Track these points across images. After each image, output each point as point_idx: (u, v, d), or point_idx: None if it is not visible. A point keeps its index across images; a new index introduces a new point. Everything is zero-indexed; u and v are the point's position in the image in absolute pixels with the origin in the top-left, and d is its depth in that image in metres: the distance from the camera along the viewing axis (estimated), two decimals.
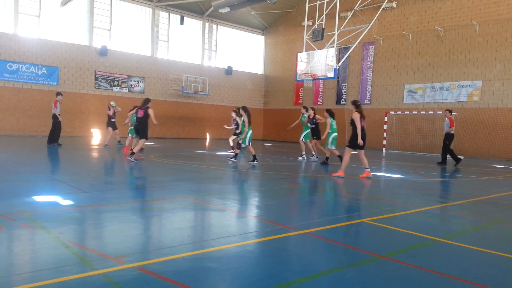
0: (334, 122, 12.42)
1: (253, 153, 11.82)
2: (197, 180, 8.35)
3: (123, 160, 11.57)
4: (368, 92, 23.77)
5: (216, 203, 5.98)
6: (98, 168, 10.52)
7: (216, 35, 28.62)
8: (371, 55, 23.64)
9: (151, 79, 24.99)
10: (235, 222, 5.06)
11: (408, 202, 6.89)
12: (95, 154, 13.59)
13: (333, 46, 15.83)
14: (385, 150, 21.37)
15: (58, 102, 14.96)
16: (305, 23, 17.87)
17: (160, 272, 3.09)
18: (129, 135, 13.98)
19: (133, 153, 10.72)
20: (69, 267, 3.11)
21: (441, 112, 17.00)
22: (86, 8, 22.68)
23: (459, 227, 5.27)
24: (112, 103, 16.25)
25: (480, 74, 19.24)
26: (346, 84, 25.04)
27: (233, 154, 12.71)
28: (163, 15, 25.79)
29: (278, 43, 30.02)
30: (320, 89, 26.51)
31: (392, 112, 21.65)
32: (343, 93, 25.16)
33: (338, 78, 24.42)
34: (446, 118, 14.23)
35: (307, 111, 13.90)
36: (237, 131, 13.45)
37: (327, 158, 12.51)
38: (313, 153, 13.92)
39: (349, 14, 19.18)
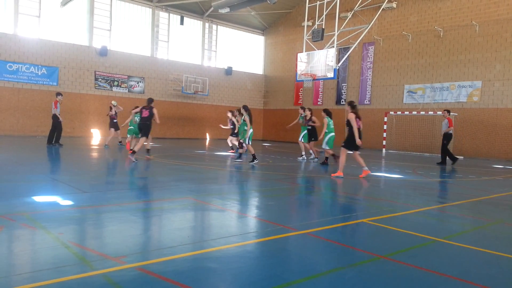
0: (331, 122, 12.43)
1: (253, 152, 11.82)
2: (197, 180, 8.35)
3: (123, 160, 11.57)
4: (368, 92, 23.77)
5: (216, 203, 5.98)
6: (98, 168, 10.51)
7: (216, 35, 28.63)
8: (371, 55, 23.65)
9: (151, 79, 24.99)
10: (235, 222, 5.06)
11: (408, 202, 6.89)
12: (95, 154, 13.59)
13: (333, 47, 15.84)
14: (385, 150, 21.36)
15: (58, 103, 14.97)
16: (305, 23, 17.88)
17: (160, 272, 3.09)
18: (128, 135, 14.00)
19: (134, 152, 10.75)
20: (69, 267, 3.10)
21: (440, 113, 17.00)
22: (86, 8, 22.68)
23: (459, 227, 5.27)
24: (113, 102, 16.28)
25: (480, 74, 19.24)
26: (346, 84, 25.05)
27: (238, 154, 12.73)
28: (163, 15, 25.80)
29: (278, 43, 30.02)
30: (320, 89, 26.51)
31: (392, 113, 21.65)
32: (343, 93, 25.16)
33: (338, 78, 24.43)
34: (445, 118, 14.26)
35: (304, 111, 13.92)
36: (235, 131, 13.46)
37: (326, 158, 12.51)
38: (312, 153, 13.92)
39: (349, 15, 19.19)
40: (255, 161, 11.60)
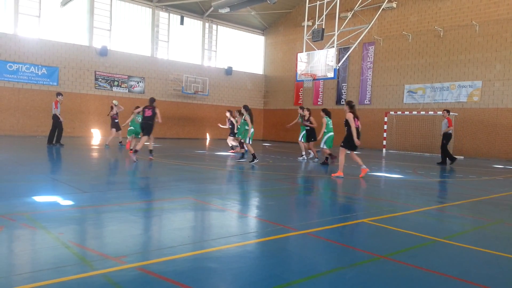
0: (330, 122, 12.44)
1: (252, 152, 11.82)
2: (197, 180, 8.35)
3: (123, 160, 11.57)
4: (368, 92, 23.77)
5: (216, 203, 5.98)
6: (98, 168, 10.52)
7: (216, 35, 28.63)
8: (371, 55, 23.65)
9: (151, 79, 24.99)
10: (235, 222, 5.06)
11: (408, 202, 6.89)
12: (95, 154, 13.59)
13: (333, 46, 15.84)
14: (385, 150, 21.36)
15: (58, 103, 14.97)
16: (305, 23, 17.88)
17: (160, 272, 3.09)
18: (128, 136, 14.01)
19: (135, 152, 10.77)
20: (69, 267, 3.11)
21: (440, 113, 17.00)
22: (86, 8, 22.69)
23: (459, 227, 5.27)
24: (114, 101, 16.29)
25: (480, 74, 19.24)
26: (346, 84, 25.05)
27: (240, 154, 12.74)
28: (163, 15, 25.80)
29: (278, 43, 30.02)
30: (320, 89, 26.51)
31: (392, 112, 21.65)
32: (343, 93, 25.16)
33: (338, 78, 24.43)
34: (445, 118, 14.27)
35: (303, 111, 13.93)
36: (235, 131, 13.46)
37: (326, 158, 12.51)
38: (312, 153, 13.93)
39: (349, 14, 19.19)
40: (255, 161, 11.61)
